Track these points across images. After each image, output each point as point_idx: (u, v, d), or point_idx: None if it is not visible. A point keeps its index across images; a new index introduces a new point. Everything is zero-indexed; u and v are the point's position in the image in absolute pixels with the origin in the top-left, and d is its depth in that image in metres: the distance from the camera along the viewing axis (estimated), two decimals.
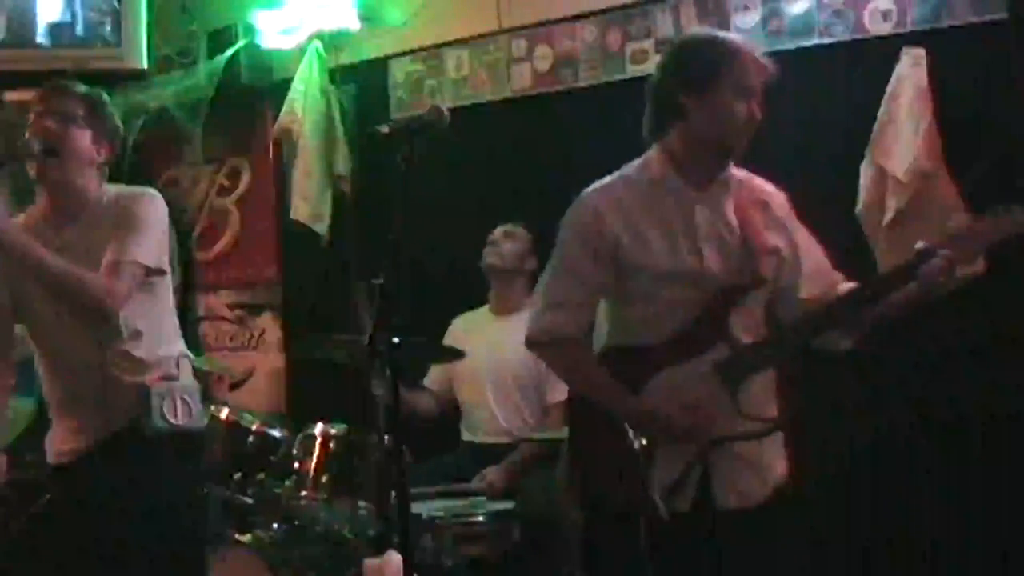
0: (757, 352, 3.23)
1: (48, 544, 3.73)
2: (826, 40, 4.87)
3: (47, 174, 3.64)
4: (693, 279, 3.25)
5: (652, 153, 3.37)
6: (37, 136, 3.62)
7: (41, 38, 6.39)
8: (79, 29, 6.39)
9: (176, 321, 3.92)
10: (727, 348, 3.22)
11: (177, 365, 3.79)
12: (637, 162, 3.40)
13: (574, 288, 3.33)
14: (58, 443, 3.79)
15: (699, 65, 3.25)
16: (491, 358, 5.19)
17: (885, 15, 4.76)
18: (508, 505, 4.76)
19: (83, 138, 3.68)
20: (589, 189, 3.39)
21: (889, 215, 4.54)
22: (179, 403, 3.71)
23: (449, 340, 5.33)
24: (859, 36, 4.81)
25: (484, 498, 4.89)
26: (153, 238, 3.69)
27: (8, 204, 3.52)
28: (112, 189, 3.78)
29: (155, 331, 3.76)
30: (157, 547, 3.60)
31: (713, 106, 3.22)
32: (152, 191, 3.84)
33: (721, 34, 3.42)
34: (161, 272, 3.75)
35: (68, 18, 6.39)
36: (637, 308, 3.30)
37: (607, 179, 3.41)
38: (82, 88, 3.77)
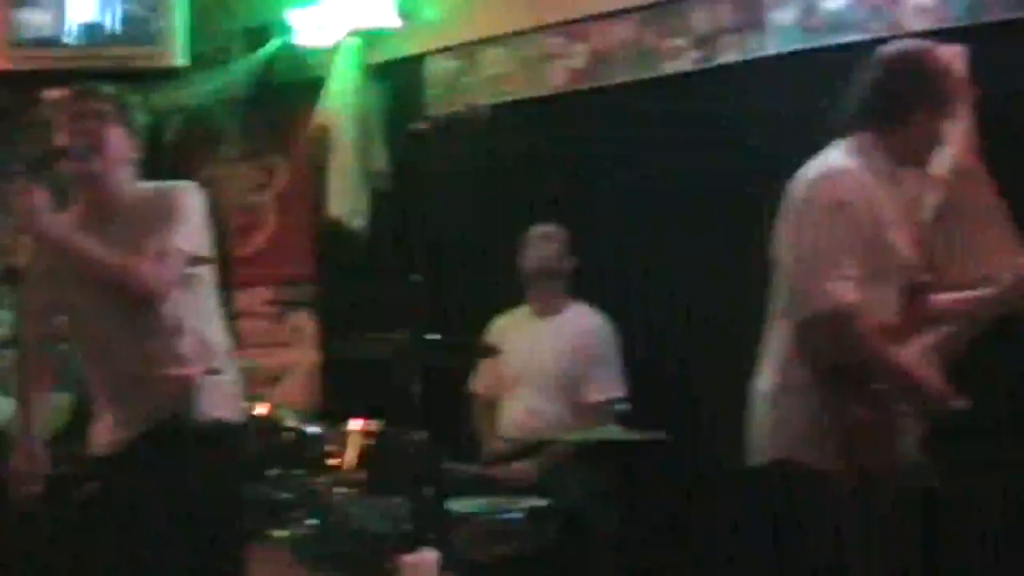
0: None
1: (89, 535, 3.77)
2: (863, 36, 4.81)
3: (87, 173, 3.70)
4: (904, 265, 3.42)
5: (869, 142, 3.46)
6: (76, 136, 3.68)
7: (80, 37, 6.42)
8: (118, 27, 6.43)
9: (220, 316, 3.96)
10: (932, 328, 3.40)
11: (220, 359, 3.82)
12: (852, 145, 3.47)
13: (853, 263, 3.32)
14: (101, 435, 3.84)
15: (940, 84, 3.45)
16: (530, 358, 5.21)
17: (923, 11, 4.72)
18: (543, 503, 4.76)
19: (117, 136, 3.75)
20: (829, 167, 3.43)
21: (928, 213, 4.51)
22: (220, 397, 3.76)
23: (490, 339, 5.34)
24: (897, 32, 4.77)
25: (518, 495, 4.89)
26: (194, 227, 3.76)
27: (50, 203, 3.55)
28: (149, 184, 3.85)
29: (196, 324, 3.79)
30: (197, 539, 3.63)
31: (937, 125, 3.45)
32: (189, 183, 3.90)
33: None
34: (204, 261, 3.80)
35: (107, 16, 6.42)
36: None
37: (838, 158, 3.45)
38: (110, 88, 3.84)
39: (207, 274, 3.88)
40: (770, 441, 3.48)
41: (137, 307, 3.67)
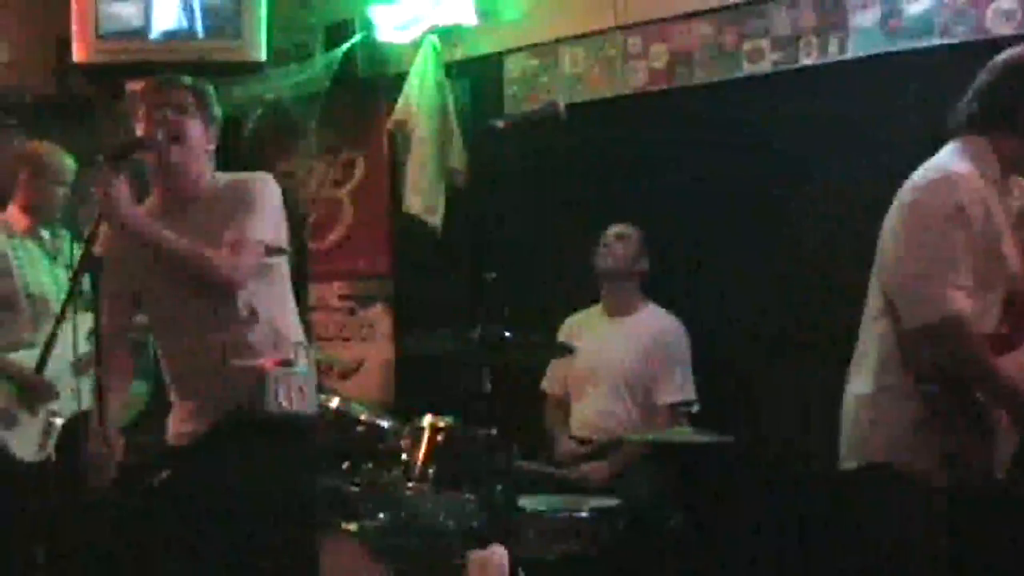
0: None
1: (162, 524, 3.79)
2: (946, 40, 4.77)
3: (169, 162, 3.73)
4: (1010, 276, 3.39)
5: (982, 147, 3.42)
6: (155, 126, 3.71)
7: (163, 30, 6.49)
8: (200, 21, 6.49)
9: (294, 308, 3.97)
10: None
11: (294, 352, 3.83)
12: (966, 149, 3.42)
13: (968, 271, 3.29)
14: (176, 425, 3.86)
15: None
16: (602, 357, 5.20)
17: (1008, 15, 4.66)
18: (612, 502, 4.76)
19: (196, 127, 3.79)
20: (948, 171, 3.38)
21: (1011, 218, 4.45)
22: (294, 389, 3.75)
23: (561, 339, 5.34)
24: (980, 37, 4.71)
25: (588, 495, 4.89)
26: (270, 217, 3.78)
27: (129, 193, 3.58)
28: (225, 175, 3.88)
29: (271, 315, 3.81)
30: (268, 532, 3.64)
31: None
32: (265, 174, 3.92)
33: None
34: (280, 251, 3.83)
35: (190, 10, 6.49)
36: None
37: (953, 162, 3.40)
38: (189, 79, 3.87)
39: (282, 264, 3.90)
40: (867, 444, 3.43)
41: (212, 296, 3.70)
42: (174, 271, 3.67)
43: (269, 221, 3.77)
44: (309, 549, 3.93)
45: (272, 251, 3.77)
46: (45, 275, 5.19)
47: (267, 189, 3.83)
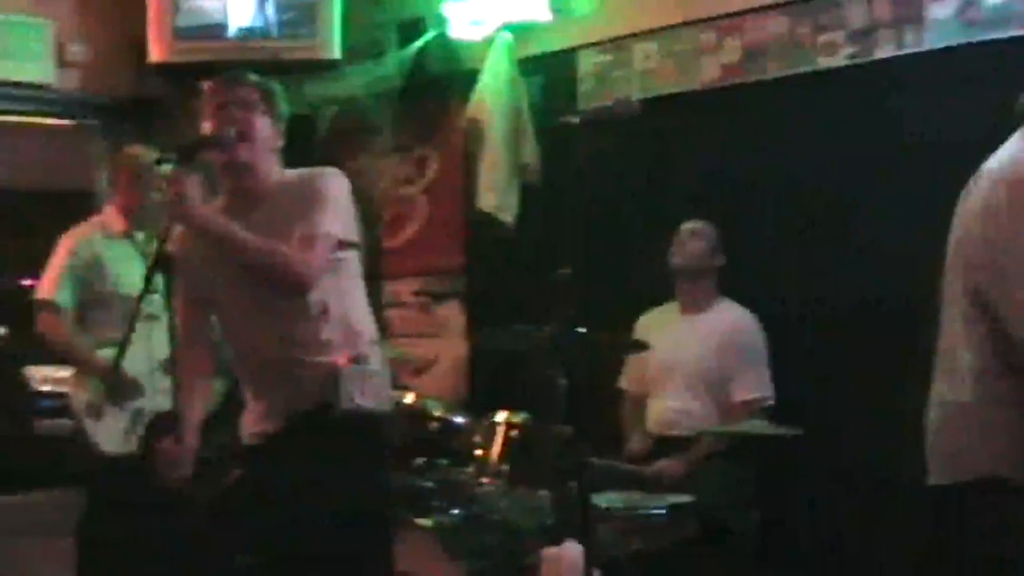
0: None
1: (236, 522, 3.81)
2: None
3: (237, 160, 3.70)
4: None
5: None
6: (223, 124, 3.70)
7: (238, 29, 6.55)
8: (274, 20, 6.54)
9: (367, 304, 3.93)
10: None
11: (367, 348, 3.80)
12: None
13: None
14: (250, 424, 3.86)
15: None
16: (677, 354, 5.19)
17: None
18: (685, 499, 4.74)
19: (264, 124, 3.75)
20: None
21: None
22: (367, 386, 3.73)
23: (636, 336, 5.32)
24: None
25: (663, 492, 4.88)
26: (340, 211, 3.73)
27: (203, 192, 3.61)
28: (293, 172, 3.85)
29: (343, 311, 3.77)
30: (342, 528, 3.61)
31: None
32: (333, 169, 3.87)
33: None
34: (352, 245, 3.79)
35: (264, 9, 6.54)
36: None
37: None
38: (255, 76, 3.85)
39: (353, 260, 3.87)
40: (972, 456, 3.30)
41: (283, 293, 3.68)
42: (245, 268, 3.66)
43: (338, 215, 3.72)
44: (384, 546, 3.90)
45: (343, 245, 3.74)
46: (138, 277, 5.27)
47: (335, 183, 3.78)
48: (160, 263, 3.58)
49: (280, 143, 3.84)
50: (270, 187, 3.77)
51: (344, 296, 3.80)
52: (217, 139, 3.68)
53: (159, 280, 3.59)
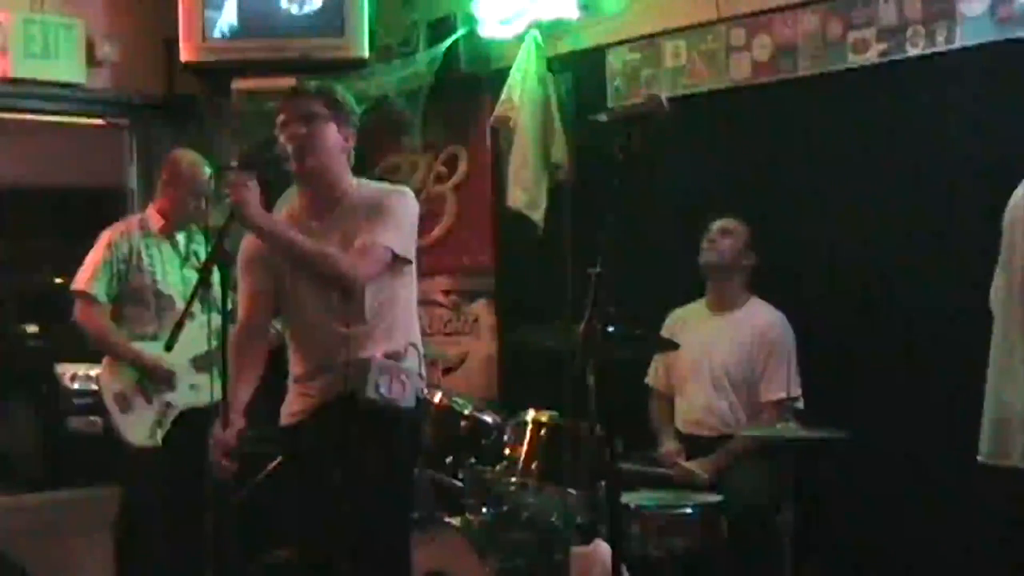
0: None
1: (270, 505, 3.96)
2: None
3: (304, 171, 3.95)
4: None
5: None
6: (289, 140, 3.93)
7: (267, 29, 6.56)
8: (303, 19, 6.55)
9: (415, 314, 4.17)
10: None
11: (405, 348, 4.02)
12: None
13: None
14: (288, 407, 4.10)
15: None
16: (705, 353, 5.18)
17: None
18: (716, 498, 4.74)
19: (330, 132, 4.00)
20: None
21: None
22: (395, 380, 3.90)
23: (665, 333, 5.30)
24: None
25: (692, 491, 4.87)
26: (403, 228, 3.99)
27: (261, 197, 3.77)
28: (366, 183, 4.12)
29: (394, 318, 4.02)
30: (361, 513, 3.83)
31: None
32: (405, 188, 4.16)
33: None
34: (407, 261, 4.01)
35: (293, 8, 6.55)
36: None
37: None
38: (315, 85, 4.11)
39: (411, 276, 4.11)
40: None
41: (340, 294, 3.90)
42: (302, 269, 3.91)
43: (400, 232, 3.97)
44: (400, 539, 4.07)
45: (400, 260, 3.96)
46: (174, 275, 5.47)
47: (404, 201, 4.05)
48: (216, 259, 3.77)
49: (352, 143, 4.09)
50: (343, 193, 4.04)
51: (397, 306, 4.05)
52: (275, 157, 3.91)
53: (214, 274, 3.78)
